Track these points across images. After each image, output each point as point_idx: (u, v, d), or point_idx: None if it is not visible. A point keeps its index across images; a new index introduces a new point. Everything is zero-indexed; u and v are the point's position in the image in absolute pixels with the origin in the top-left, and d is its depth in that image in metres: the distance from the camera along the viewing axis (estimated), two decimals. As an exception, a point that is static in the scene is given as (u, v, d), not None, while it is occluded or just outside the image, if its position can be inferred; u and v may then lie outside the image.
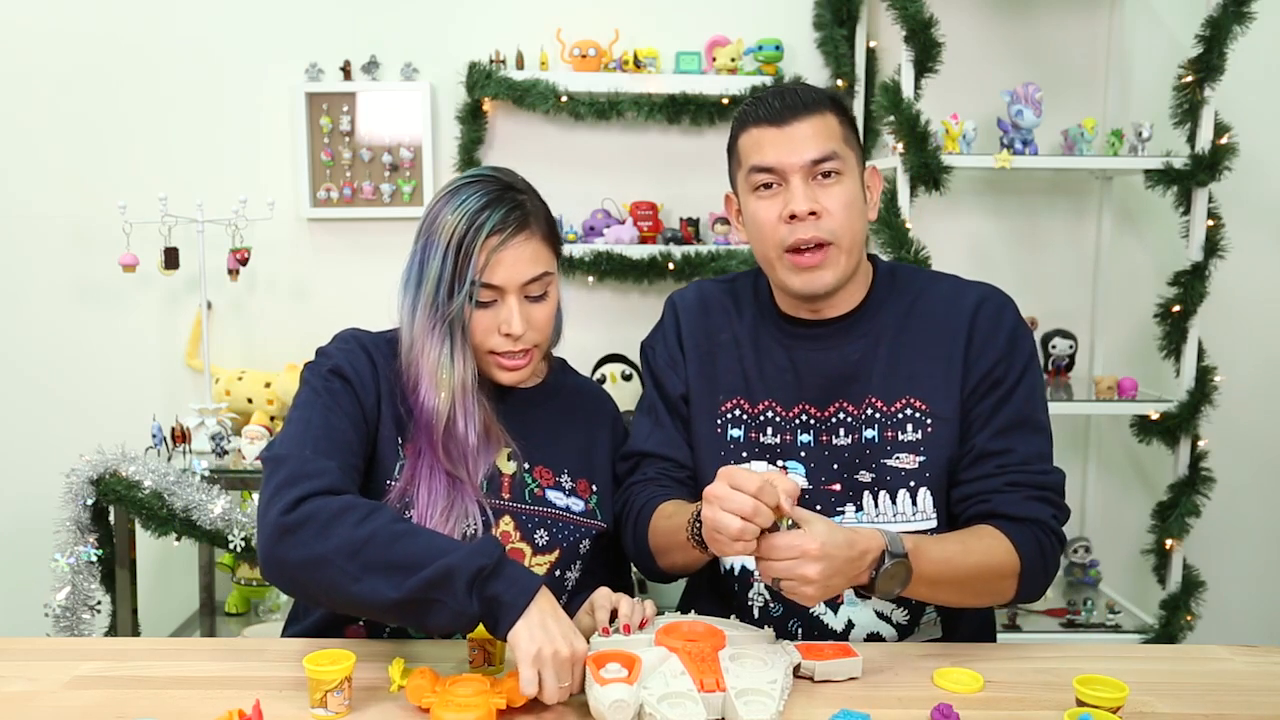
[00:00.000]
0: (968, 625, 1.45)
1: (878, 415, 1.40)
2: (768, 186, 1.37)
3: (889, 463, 1.39)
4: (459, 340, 1.35)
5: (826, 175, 1.35)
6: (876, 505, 1.39)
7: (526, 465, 1.44)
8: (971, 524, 1.36)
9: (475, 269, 1.32)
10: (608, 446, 1.53)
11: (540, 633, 1.12)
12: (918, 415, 1.39)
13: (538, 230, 1.37)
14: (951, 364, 1.40)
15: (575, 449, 1.49)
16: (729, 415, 1.46)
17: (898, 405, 1.40)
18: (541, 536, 1.41)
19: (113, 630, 2.31)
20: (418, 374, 1.37)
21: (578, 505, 1.46)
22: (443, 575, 1.13)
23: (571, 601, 1.44)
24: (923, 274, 1.52)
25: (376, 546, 1.16)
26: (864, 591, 1.27)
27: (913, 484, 1.39)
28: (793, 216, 1.34)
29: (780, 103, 1.36)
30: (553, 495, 1.44)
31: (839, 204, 1.35)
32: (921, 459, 1.39)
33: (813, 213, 1.34)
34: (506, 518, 1.40)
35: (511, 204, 1.35)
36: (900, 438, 1.39)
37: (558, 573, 1.43)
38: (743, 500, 1.15)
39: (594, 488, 1.49)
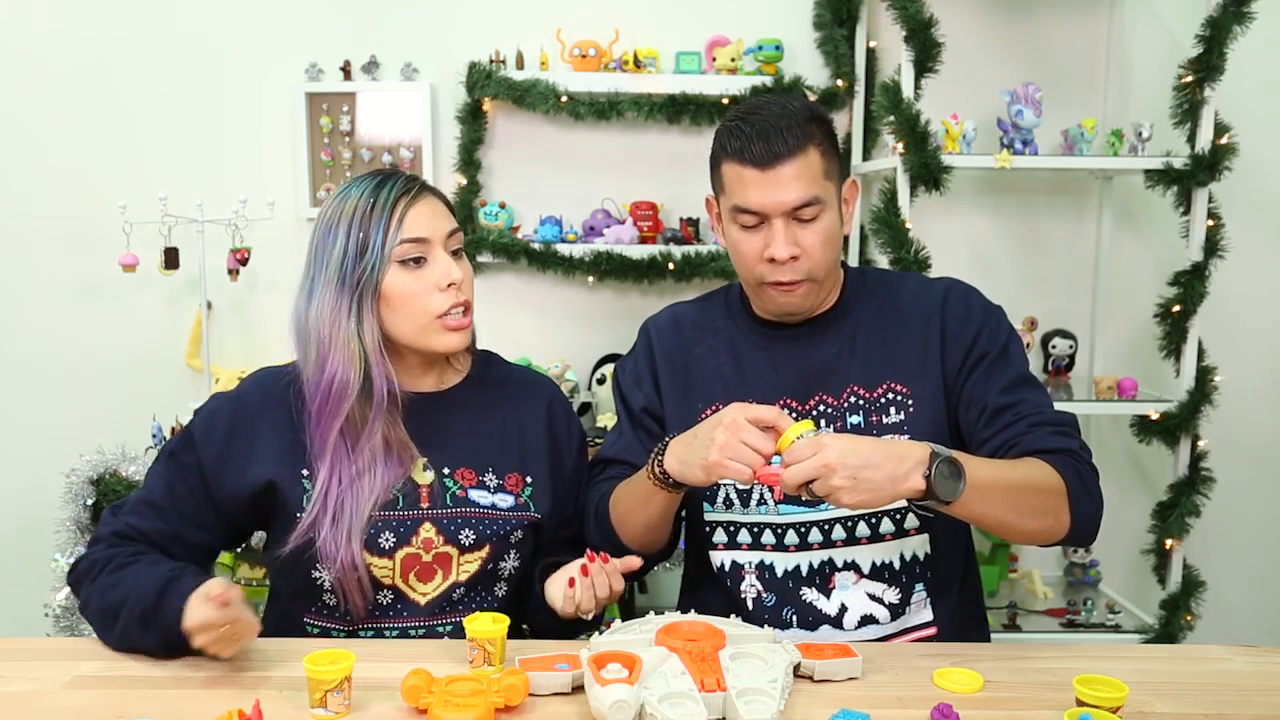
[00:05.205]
0: (958, 612, 1.46)
1: (861, 402, 1.45)
2: (749, 225, 1.42)
3: None
4: (368, 307, 1.38)
5: (807, 218, 1.40)
6: None
7: (446, 470, 1.44)
8: None
9: (395, 230, 1.37)
10: (543, 428, 1.52)
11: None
12: (899, 398, 1.45)
13: (437, 195, 1.44)
14: (928, 346, 1.46)
15: (501, 443, 1.48)
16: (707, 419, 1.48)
17: (880, 390, 1.46)
18: (467, 536, 1.41)
19: (113, 630, 2.30)
20: (323, 363, 1.40)
21: (505, 501, 1.45)
22: (135, 618, 1.25)
23: (510, 587, 1.46)
24: (891, 274, 1.61)
25: (99, 596, 1.31)
26: (923, 506, 1.27)
27: None
28: (772, 260, 1.40)
29: (764, 146, 1.37)
30: (476, 495, 1.44)
31: (817, 242, 1.41)
32: (906, 437, 1.42)
33: (794, 256, 1.40)
34: (427, 524, 1.41)
35: (406, 175, 1.42)
36: (885, 420, 1.44)
37: (491, 565, 1.44)
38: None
39: (527, 479, 1.48)
